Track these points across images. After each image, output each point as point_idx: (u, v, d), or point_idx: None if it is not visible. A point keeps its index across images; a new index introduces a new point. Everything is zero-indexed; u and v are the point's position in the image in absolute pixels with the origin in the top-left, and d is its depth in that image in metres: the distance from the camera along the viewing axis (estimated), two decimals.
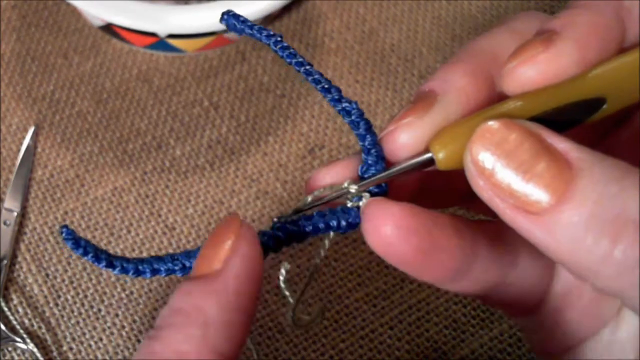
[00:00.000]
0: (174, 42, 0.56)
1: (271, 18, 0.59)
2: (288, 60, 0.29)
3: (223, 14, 0.29)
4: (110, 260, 0.28)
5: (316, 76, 0.29)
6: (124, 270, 0.28)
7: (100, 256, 0.28)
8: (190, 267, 0.28)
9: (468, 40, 0.61)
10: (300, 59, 0.29)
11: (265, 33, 0.29)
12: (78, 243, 0.28)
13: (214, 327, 0.26)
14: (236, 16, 0.29)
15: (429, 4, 0.63)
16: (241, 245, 0.27)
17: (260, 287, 0.27)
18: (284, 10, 0.61)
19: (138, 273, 0.28)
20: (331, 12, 0.62)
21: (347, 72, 0.59)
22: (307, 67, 0.29)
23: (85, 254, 0.28)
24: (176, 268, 0.28)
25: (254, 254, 0.27)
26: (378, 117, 0.58)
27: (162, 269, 0.28)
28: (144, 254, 0.51)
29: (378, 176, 0.29)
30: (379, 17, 0.62)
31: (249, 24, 0.29)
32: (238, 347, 0.26)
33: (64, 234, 0.28)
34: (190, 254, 0.28)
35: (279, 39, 0.29)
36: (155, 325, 0.26)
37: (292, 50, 0.29)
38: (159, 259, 0.28)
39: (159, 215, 0.53)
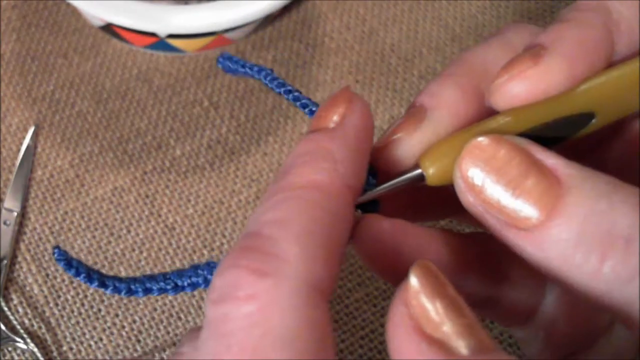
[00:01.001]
0: (174, 42, 0.56)
1: (271, 18, 0.59)
2: (277, 90, 0.31)
3: (218, 57, 0.33)
4: (103, 280, 0.28)
5: (304, 100, 0.31)
6: (116, 290, 0.28)
7: (93, 276, 0.28)
8: (182, 287, 0.28)
9: (468, 40, 0.61)
10: (289, 87, 0.31)
11: (256, 69, 0.32)
12: (70, 264, 0.28)
13: (342, 164, 0.26)
14: (229, 58, 0.33)
15: (429, 4, 0.63)
16: (356, 104, 0.28)
17: (371, 145, 0.28)
18: (284, 10, 0.61)
19: (130, 292, 0.28)
20: (331, 12, 0.62)
21: (347, 72, 0.59)
22: (296, 94, 0.31)
23: (77, 274, 0.28)
24: (168, 287, 0.29)
25: (367, 112, 0.28)
26: (378, 117, 0.58)
27: (154, 288, 0.28)
28: (144, 254, 0.52)
29: (368, 193, 0.29)
30: (379, 17, 0.62)
31: (242, 63, 0.32)
32: (361, 187, 0.28)
33: (55, 255, 0.28)
34: (182, 274, 0.29)
35: (269, 72, 0.32)
36: (278, 173, 0.27)
37: (280, 80, 0.32)
38: (151, 278, 0.29)
39: (159, 215, 0.53)
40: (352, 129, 0.27)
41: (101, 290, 0.29)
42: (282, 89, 0.31)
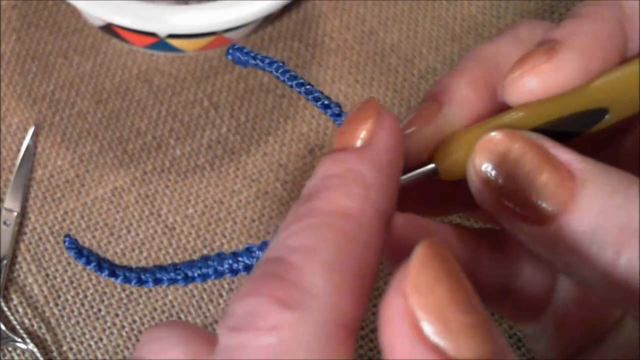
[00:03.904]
0: (174, 42, 0.56)
1: (271, 18, 0.59)
2: (289, 83, 0.30)
3: (228, 48, 0.32)
4: (113, 270, 0.28)
5: (316, 94, 0.30)
6: (127, 280, 0.28)
7: (103, 265, 0.28)
8: (192, 277, 0.28)
9: (468, 40, 0.61)
10: (301, 80, 0.30)
11: (267, 61, 0.31)
12: (81, 252, 0.28)
13: (374, 189, 0.24)
14: (240, 49, 0.31)
15: (429, 4, 0.63)
16: (385, 119, 0.25)
17: (401, 167, 0.26)
18: (284, 10, 0.61)
19: (140, 282, 0.28)
20: (331, 12, 0.62)
21: (347, 72, 0.59)
22: (308, 87, 0.30)
23: (88, 263, 0.28)
24: (179, 278, 0.28)
25: (397, 129, 0.25)
26: None
27: (164, 278, 0.28)
28: (144, 254, 0.51)
29: None
30: (379, 17, 0.62)
31: (252, 54, 0.31)
32: (393, 213, 0.25)
33: (66, 243, 0.28)
34: (192, 264, 0.28)
35: (281, 64, 0.31)
36: (302, 195, 0.24)
37: (292, 72, 0.31)
38: (161, 268, 0.28)
39: (159, 215, 0.53)
40: (382, 149, 0.25)
41: (112, 280, 0.28)
42: (294, 82, 0.30)
